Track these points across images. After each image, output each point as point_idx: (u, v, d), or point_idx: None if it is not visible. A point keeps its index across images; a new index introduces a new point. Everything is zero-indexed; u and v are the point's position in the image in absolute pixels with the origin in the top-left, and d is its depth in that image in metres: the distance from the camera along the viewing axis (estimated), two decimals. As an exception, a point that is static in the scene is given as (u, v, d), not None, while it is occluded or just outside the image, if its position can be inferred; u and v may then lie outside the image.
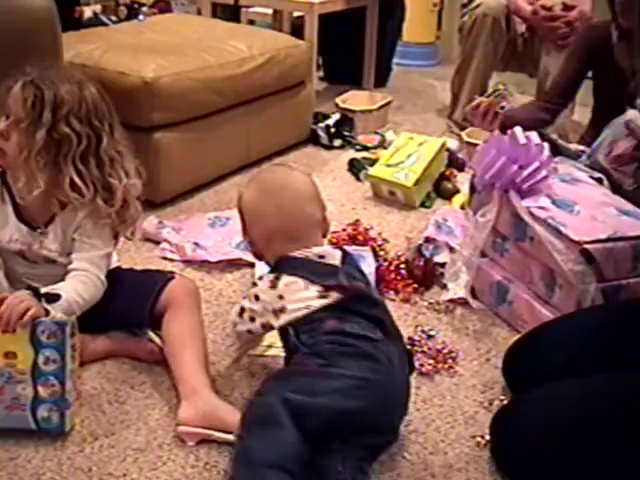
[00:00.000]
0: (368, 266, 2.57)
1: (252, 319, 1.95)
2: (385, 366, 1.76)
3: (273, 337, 2.10)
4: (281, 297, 1.88)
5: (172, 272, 2.28)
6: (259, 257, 2.08)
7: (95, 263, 2.07)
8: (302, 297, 1.86)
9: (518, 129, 2.37)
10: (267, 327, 1.95)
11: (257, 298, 1.94)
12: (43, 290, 1.93)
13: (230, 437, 1.82)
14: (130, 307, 2.11)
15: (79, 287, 2.01)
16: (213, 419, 1.86)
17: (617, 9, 2.58)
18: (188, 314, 2.10)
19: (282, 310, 1.88)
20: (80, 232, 2.07)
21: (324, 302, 1.84)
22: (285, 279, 1.89)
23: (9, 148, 2.01)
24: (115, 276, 2.15)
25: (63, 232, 2.09)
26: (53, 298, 1.92)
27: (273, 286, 1.90)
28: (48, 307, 1.88)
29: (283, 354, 1.99)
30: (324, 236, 2.05)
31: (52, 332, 1.78)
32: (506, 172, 2.29)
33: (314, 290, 1.86)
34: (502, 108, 3.11)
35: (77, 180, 2.01)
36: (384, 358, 1.77)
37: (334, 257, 1.94)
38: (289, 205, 1.97)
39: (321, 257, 1.93)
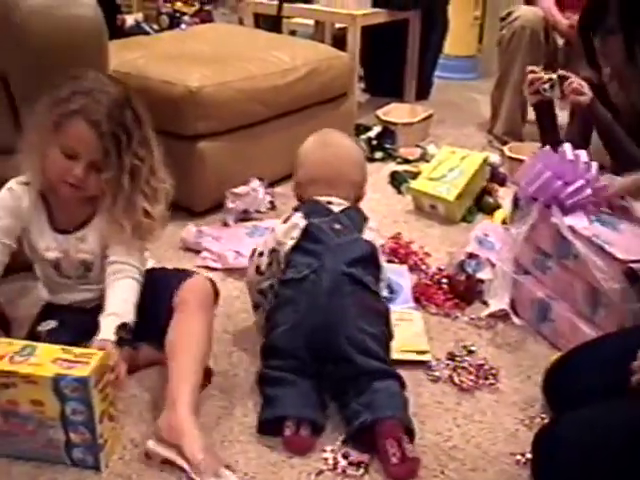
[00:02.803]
0: (405, 281, 2.60)
1: (261, 254, 2.25)
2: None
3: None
4: (285, 228, 2.19)
5: (192, 272, 2.24)
6: (299, 198, 2.35)
7: (133, 253, 2.06)
8: (294, 226, 2.17)
9: (567, 145, 2.37)
10: (272, 254, 2.21)
11: (273, 230, 2.26)
12: (113, 336, 1.90)
13: (186, 466, 1.78)
14: (152, 317, 2.06)
15: (130, 297, 2.01)
16: (177, 439, 1.81)
17: (599, 52, 2.64)
18: (193, 320, 2.05)
19: (285, 233, 2.17)
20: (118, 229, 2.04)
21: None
22: (296, 214, 2.21)
23: (91, 189, 2.00)
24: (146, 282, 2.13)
25: (100, 233, 2.08)
26: (124, 335, 1.93)
27: (285, 220, 2.22)
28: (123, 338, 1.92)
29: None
30: (357, 200, 2.34)
31: (75, 387, 1.71)
32: (550, 187, 2.28)
33: (303, 223, 2.17)
34: (544, 90, 3.13)
35: (147, 207, 2.01)
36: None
37: (339, 205, 2.24)
38: (333, 158, 2.32)
39: (329, 202, 2.24)
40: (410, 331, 2.31)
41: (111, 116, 1.91)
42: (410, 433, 1.90)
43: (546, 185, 2.29)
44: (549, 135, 3.21)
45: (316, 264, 2.07)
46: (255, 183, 3.14)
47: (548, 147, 2.50)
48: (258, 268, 2.25)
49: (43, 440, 1.81)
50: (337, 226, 2.16)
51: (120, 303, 1.98)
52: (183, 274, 2.18)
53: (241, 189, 3.10)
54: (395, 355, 2.14)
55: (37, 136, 1.96)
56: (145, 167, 1.99)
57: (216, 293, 2.20)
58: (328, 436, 1.95)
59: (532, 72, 3.20)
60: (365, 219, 2.26)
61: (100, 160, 1.93)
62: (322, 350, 1.99)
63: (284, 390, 1.97)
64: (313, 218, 2.18)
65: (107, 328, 1.91)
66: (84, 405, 1.74)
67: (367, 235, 2.20)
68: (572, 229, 2.23)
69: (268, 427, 1.94)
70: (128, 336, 1.94)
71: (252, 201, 3.11)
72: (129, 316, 1.97)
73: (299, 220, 2.18)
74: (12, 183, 2.07)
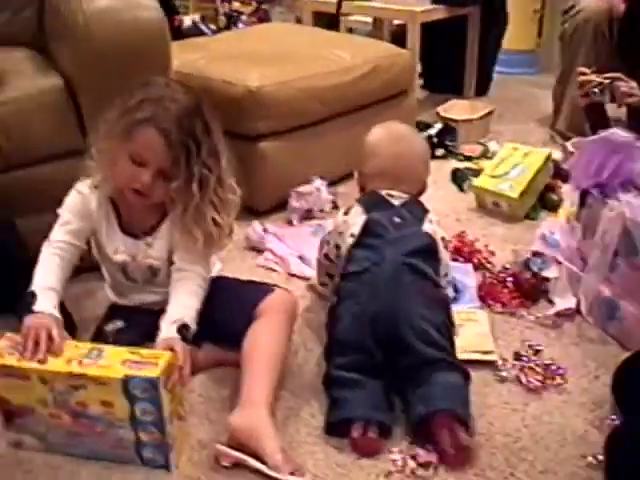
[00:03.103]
0: (470, 280, 2.59)
1: (328, 242, 2.33)
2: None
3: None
4: (345, 222, 2.24)
5: (274, 285, 2.24)
6: (362, 189, 2.40)
7: (200, 262, 2.08)
8: (354, 222, 2.20)
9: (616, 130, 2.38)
10: (337, 248, 2.27)
11: (335, 221, 2.34)
12: (174, 333, 1.92)
13: (262, 467, 1.78)
14: (230, 321, 2.09)
15: (193, 302, 2.02)
16: (253, 438, 1.81)
17: None
18: (275, 329, 2.06)
19: (345, 228, 2.22)
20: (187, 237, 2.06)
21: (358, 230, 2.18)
22: (355, 207, 2.26)
23: (157, 197, 2.02)
24: (217, 287, 2.15)
25: (168, 241, 2.11)
26: (185, 335, 1.94)
27: (346, 212, 2.29)
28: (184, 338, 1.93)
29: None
30: (419, 194, 2.36)
31: (144, 388, 1.73)
32: (624, 169, 2.27)
33: (362, 219, 2.19)
34: (594, 93, 3.13)
35: (216, 216, 2.02)
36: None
37: (399, 199, 2.26)
38: (405, 153, 2.35)
39: (389, 195, 2.26)
40: (476, 331, 2.29)
41: (181, 125, 1.92)
42: (465, 424, 1.90)
43: (619, 169, 2.30)
44: None
45: (376, 257, 2.10)
46: (318, 182, 3.15)
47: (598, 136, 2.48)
48: (327, 255, 2.34)
49: (112, 440, 1.83)
50: (397, 219, 2.18)
51: (182, 309, 2.00)
52: (267, 287, 2.19)
53: (305, 188, 3.11)
54: (461, 355, 2.11)
55: (107, 142, 1.98)
56: (213, 177, 1.99)
57: None
58: (396, 436, 1.95)
59: (582, 74, 3.17)
60: (426, 212, 2.27)
61: (168, 168, 1.94)
62: (385, 340, 1.99)
63: (351, 392, 1.96)
64: (374, 212, 2.21)
65: (168, 328, 1.93)
66: (153, 405, 1.75)
67: (427, 227, 2.21)
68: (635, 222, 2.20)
69: (335, 429, 1.94)
70: (189, 337, 1.95)
71: (315, 200, 3.11)
72: (191, 321, 1.98)
73: (359, 215, 2.21)
74: (81, 186, 2.09)
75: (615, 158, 2.29)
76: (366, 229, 2.17)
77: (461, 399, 1.94)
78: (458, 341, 2.11)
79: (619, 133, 2.36)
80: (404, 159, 2.34)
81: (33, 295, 1.93)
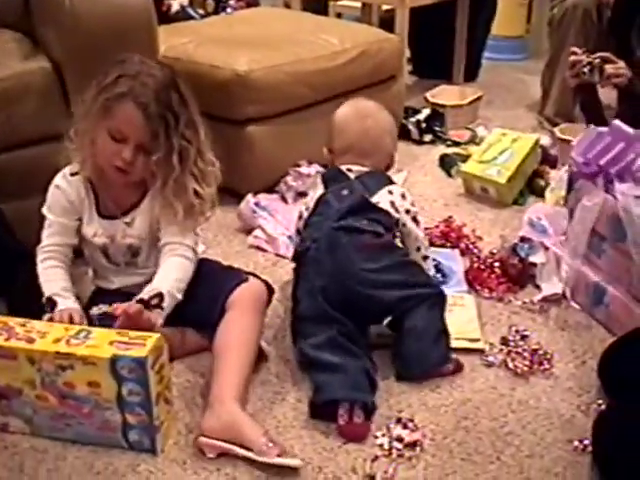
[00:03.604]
0: (457, 265, 2.59)
1: (300, 217, 2.36)
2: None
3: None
4: (312, 198, 2.29)
5: (248, 274, 2.21)
6: (331, 165, 2.40)
7: (185, 234, 2.10)
8: (312, 198, 2.29)
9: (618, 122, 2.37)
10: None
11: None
12: (146, 297, 1.94)
13: (250, 454, 1.78)
14: (203, 311, 2.08)
15: (175, 272, 2.04)
16: (233, 431, 1.80)
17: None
18: (244, 323, 2.04)
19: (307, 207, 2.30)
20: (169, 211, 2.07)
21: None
22: (318, 184, 2.31)
23: (139, 173, 2.03)
24: (195, 272, 2.14)
25: (149, 216, 2.11)
26: (158, 303, 1.95)
27: (315, 190, 2.32)
28: (158, 314, 1.94)
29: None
30: (387, 169, 2.40)
31: (132, 368, 1.72)
32: (623, 158, 2.26)
33: (316, 197, 2.27)
34: (584, 73, 3.16)
35: (197, 187, 2.04)
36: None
37: (357, 172, 2.27)
38: (372, 128, 2.35)
39: (348, 170, 2.28)
40: (463, 317, 2.29)
41: (158, 98, 1.94)
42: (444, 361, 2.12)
43: (618, 156, 2.28)
44: (592, 117, 3.19)
45: (316, 233, 2.15)
46: (317, 167, 3.14)
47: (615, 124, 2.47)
48: (298, 230, 2.37)
49: (99, 422, 1.83)
50: (345, 192, 2.22)
51: (160, 280, 2.02)
52: (240, 276, 2.17)
53: (304, 169, 3.12)
54: (448, 343, 2.15)
55: (86, 122, 2.00)
56: (193, 148, 2.02)
57: (270, 292, 2.21)
58: (381, 417, 1.96)
59: (573, 54, 3.17)
60: (388, 183, 2.29)
61: (148, 142, 1.96)
62: (345, 308, 2.04)
63: (332, 375, 1.97)
64: (331, 186, 2.26)
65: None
66: (140, 386, 1.75)
67: (380, 197, 2.22)
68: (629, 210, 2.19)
69: (320, 411, 1.95)
70: (163, 305, 1.96)
71: (311, 184, 3.10)
72: (168, 290, 1.99)
73: (318, 192, 2.29)
74: (58, 179, 2.12)
75: (616, 147, 2.28)
76: (314, 208, 2.24)
77: (431, 341, 2.09)
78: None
79: (622, 125, 2.36)
80: (371, 133, 2.35)
81: (50, 299, 2.01)
